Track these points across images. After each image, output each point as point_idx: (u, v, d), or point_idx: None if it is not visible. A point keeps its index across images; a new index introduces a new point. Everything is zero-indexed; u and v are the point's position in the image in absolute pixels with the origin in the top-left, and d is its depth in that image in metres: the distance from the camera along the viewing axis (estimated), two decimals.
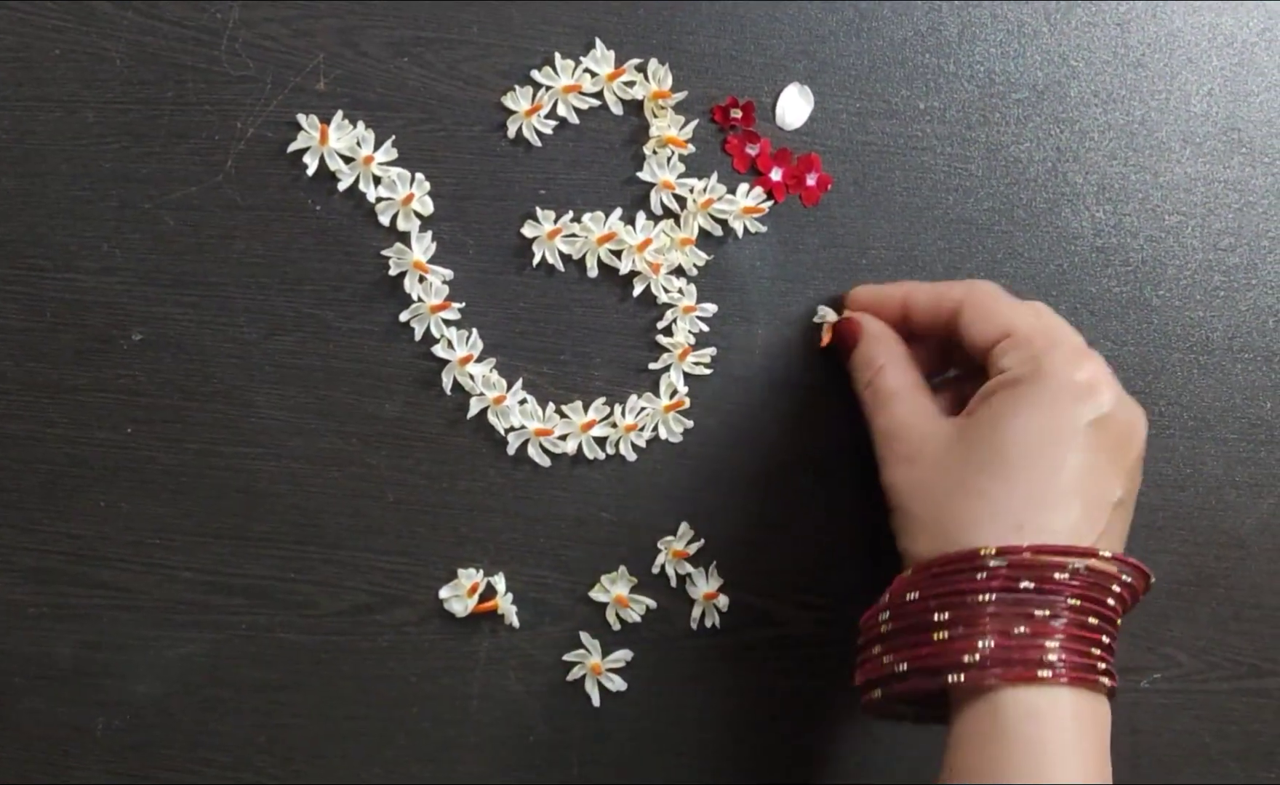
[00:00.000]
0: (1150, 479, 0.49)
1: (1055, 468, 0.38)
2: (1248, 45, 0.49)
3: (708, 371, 0.47)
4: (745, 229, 0.47)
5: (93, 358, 0.45)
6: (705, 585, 0.47)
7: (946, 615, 0.38)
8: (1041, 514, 0.38)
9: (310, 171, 0.45)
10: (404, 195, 0.45)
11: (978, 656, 0.37)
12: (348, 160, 0.45)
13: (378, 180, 0.46)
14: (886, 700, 0.40)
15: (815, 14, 0.47)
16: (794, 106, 0.47)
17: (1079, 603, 0.38)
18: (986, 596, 0.37)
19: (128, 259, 0.45)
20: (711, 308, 0.47)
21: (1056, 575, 0.38)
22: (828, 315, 0.47)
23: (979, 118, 0.48)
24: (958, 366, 0.46)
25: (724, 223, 0.47)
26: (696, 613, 0.47)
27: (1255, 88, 0.49)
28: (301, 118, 0.45)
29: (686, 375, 0.47)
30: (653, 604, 0.47)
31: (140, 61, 0.45)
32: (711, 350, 0.47)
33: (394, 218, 0.46)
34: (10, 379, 0.45)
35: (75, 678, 0.46)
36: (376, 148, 0.45)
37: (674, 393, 0.47)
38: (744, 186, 0.47)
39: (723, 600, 0.47)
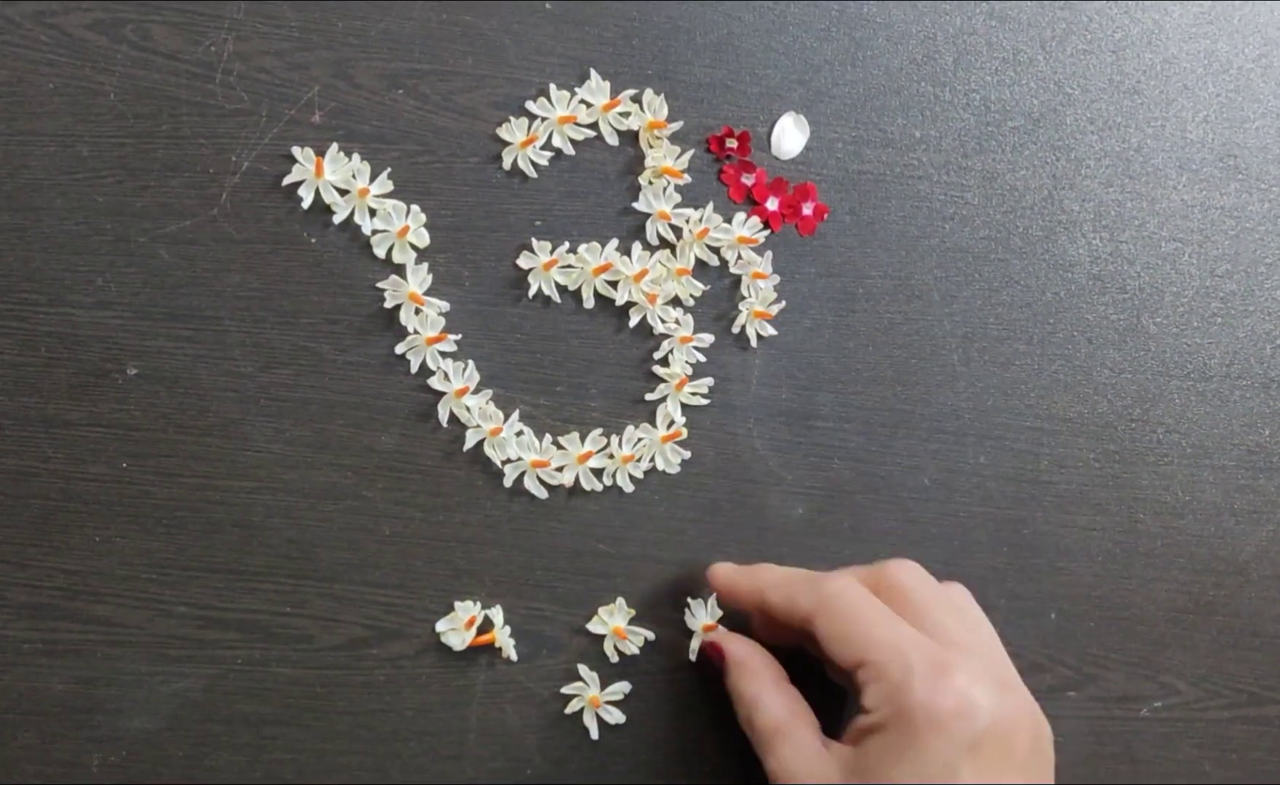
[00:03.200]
0: (1149, 506, 0.49)
1: None
2: (1243, 72, 0.49)
3: (705, 402, 0.47)
4: (739, 256, 0.47)
5: (87, 392, 0.45)
6: (704, 616, 0.47)
7: None
8: None
9: (305, 204, 0.45)
10: (399, 227, 0.45)
11: None
12: (343, 193, 0.45)
13: (373, 212, 0.45)
14: None
15: (810, 44, 0.47)
16: (790, 136, 0.47)
17: None
18: None
19: (122, 293, 0.45)
20: (708, 338, 0.47)
21: None
22: (695, 641, 0.46)
23: (975, 146, 0.48)
24: None
25: (719, 251, 0.47)
26: (695, 644, 0.47)
27: (1251, 114, 0.49)
28: (296, 150, 0.45)
29: (684, 406, 0.47)
30: (651, 636, 0.47)
31: (134, 95, 0.45)
32: (709, 381, 0.47)
33: (389, 250, 0.46)
34: (4, 414, 0.45)
35: (69, 713, 0.45)
36: (372, 180, 0.45)
37: (671, 423, 0.47)
38: (740, 216, 0.47)
39: (721, 632, 0.47)
